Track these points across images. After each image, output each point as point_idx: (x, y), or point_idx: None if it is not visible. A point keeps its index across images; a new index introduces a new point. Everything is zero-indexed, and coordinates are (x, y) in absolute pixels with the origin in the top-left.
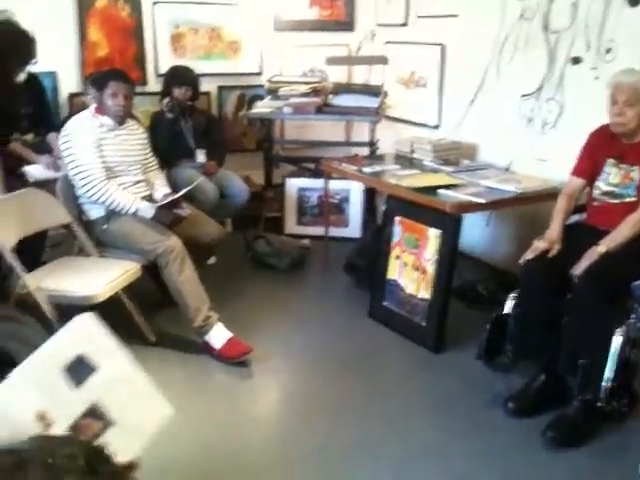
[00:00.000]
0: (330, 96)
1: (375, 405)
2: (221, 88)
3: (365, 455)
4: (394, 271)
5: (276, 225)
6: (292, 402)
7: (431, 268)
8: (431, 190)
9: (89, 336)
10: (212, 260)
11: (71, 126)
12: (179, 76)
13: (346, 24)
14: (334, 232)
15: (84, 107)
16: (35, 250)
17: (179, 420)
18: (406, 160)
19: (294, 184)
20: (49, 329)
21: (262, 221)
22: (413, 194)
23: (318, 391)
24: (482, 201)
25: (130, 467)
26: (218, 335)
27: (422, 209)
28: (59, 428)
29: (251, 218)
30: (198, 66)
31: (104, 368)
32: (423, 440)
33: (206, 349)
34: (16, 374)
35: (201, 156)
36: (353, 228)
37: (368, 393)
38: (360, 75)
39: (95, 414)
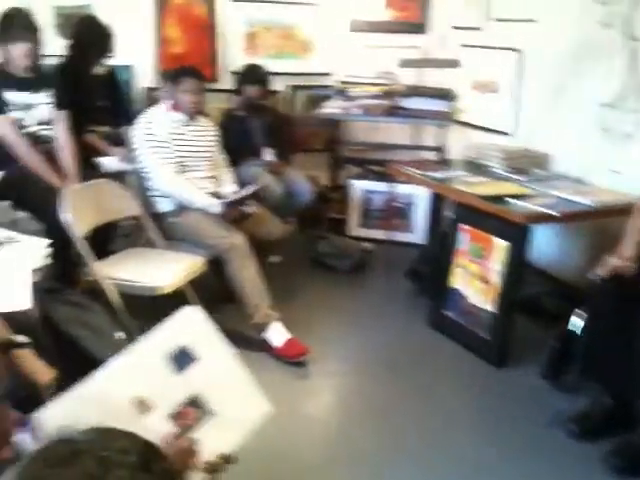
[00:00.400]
0: (400, 98)
1: (429, 415)
2: (291, 87)
3: (414, 465)
4: (458, 280)
5: (339, 226)
6: (345, 405)
7: (496, 279)
8: (500, 199)
9: (194, 328)
10: (275, 258)
11: (145, 120)
12: (251, 74)
13: (419, 26)
14: (397, 237)
15: (158, 101)
16: (105, 239)
17: None
18: (475, 167)
19: (359, 186)
20: (114, 317)
21: (325, 222)
22: (482, 202)
23: (372, 396)
24: (555, 214)
25: (225, 460)
26: (277, 333)
27: (490, 218)
28: (159, 414)
29: (315, 218)
30: (269, 65)
31: (206, 360)
32: (476, 455)
33: (264, 347)
34: (119, 360)
35: (269, 155)
36: (417, 234)
37: (423, 402)
38: (431, 78)
39: (195, 404)
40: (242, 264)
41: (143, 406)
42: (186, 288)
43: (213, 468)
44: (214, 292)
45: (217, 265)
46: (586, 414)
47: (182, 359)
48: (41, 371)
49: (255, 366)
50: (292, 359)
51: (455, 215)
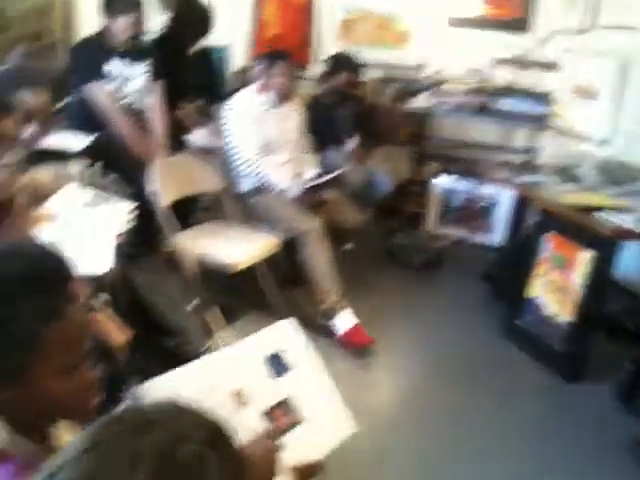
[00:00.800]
0: (493, 97)
1: (489, 422)
2: (380, 78)
3: (468, 469)
4: (536, 289)
5: (416, 221)
6: (405, 401)
7: (578, 292)
8: (590, 210)
9: (292, 338)
10: (348, 246)
11: (235, 100)
12: (345, 62)
13: (519, 25)
14: (475, 238)
15: (250, 82)
16: (186, 212)
17: None
18: (566, 174)
19: (440, 182)
20: (189, 288)
21: (403, 215)
22: (570, 212)
23: (433, 396)
24: None
25: (315, 466)
26: (343, 321)
27: (578, 228)
28: (253, 410)
29: (392, 210)
30: (362, 53)
31: (301, 371)
32: (535, 467)
33: (330, 333)
34: (223, 353)
35: (352, 143)
36: (496, 236)
37: (484, 407)
38: (526, 79)
39: (287, 409)
40: (316, 249)
41: (240, 399)
42: (259, 267)
43: (303, 474)
44: (284, 273)
45: (290, 247)
46: None
47: (278, 365)
48: (116, 333)
49: (319, 352)
50: (356, 348)
51: (540, 222)
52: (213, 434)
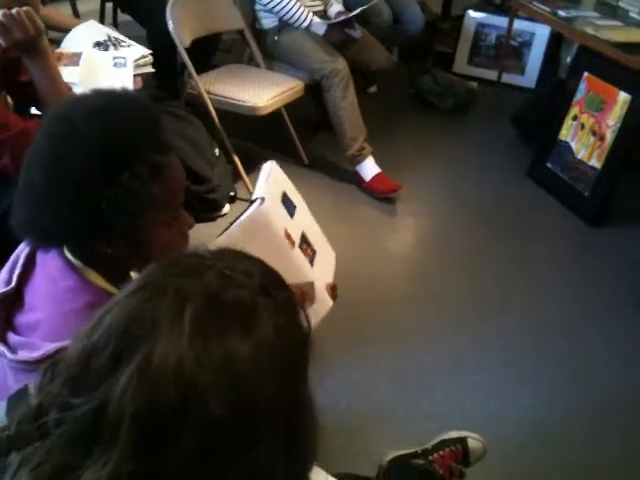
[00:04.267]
0: None
1: (516, 265)
2: None
3: (493, 312)
4: (568, 132)
5: (445, 62)
6: (430, 246)
7: (611, 136)
8: (633, 47)
9: (283, 178)
10: (373, 89)
11: None
12: None
13: None
14: (507, 78)
15: None
16: (207, 52)
17: None
18: (609, 8)
19: (474, 17)
20: (212, 133)
21: (431, 55)
22: (611, 49)
23: (458, 241)
24: None
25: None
26: (369, 167)
27: (617, 68)
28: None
29: (420, 50)
30: None
31: (300, 207)
32: (558, 306)
33: (356, 179)
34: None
35: None
36: (529, 77)
37: (511, 252)
38: None
39: (306, 242)
40: (343, 92)
41: (290, 239)
42: (283, 112)
43: (334, 294)
44: (310, 118)
45: (315, 90)
46: None
47: (289, 205)
48: None
49: (344, 198)
50: (382, 194)
51: (578, 61)
52: (266, 281)
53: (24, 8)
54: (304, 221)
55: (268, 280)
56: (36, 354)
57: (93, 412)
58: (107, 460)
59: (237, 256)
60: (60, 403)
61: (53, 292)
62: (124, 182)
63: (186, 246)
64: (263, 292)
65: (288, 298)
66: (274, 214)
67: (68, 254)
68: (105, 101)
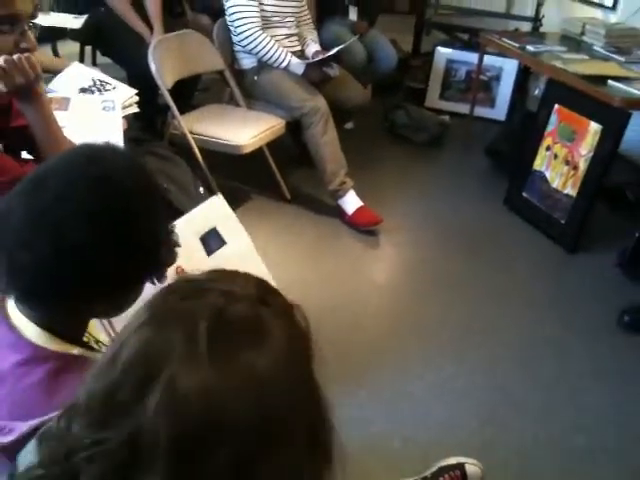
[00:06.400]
0: None
1: (497, 292)
2: None
3: (478, 339)
4: (542, 162)
5: (417, 97)
6: (414, 276)
7: (584, 165)
8: (599, 80)
9: (221, 214)
10: (349, 125)
11: None
12: None
13: None
14: (478, 112)
15: None
16: (187, 93)
17: (307, 277)
18: (573, 42)
19: (444, 54)
20: (196, 172)
21: (403, 91)
22: (579, 82)
23: (441, 269)
24: None
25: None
26: (351, 201)
27: (586, 99)
28: None
29: (392, 86)
30: None
31: (231, 244)
32: (539, 331)
33: (338, 213)
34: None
35: (353, 14)
36: (499, 110)
37: (492, 280)
38: None
39: None
40: (323, 129)
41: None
42: (265, 150)
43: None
44: (291, 155)
45: (295, 128)
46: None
47: (212, 240)
48: None
49: (327, 232)
50: (364, 227)
51: (548, 93)
52: (261, 290)
53: (25, 54)
54: (230, 258)
55: (262, 289)
56: (10, 437)
57: (127, 441)
58: None
59: (228, 273)
60: (88, 443)
61: (6, 368)
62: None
63: None
64: (262, 301)
65: (282, 301)
66: None
67: (13, 316)
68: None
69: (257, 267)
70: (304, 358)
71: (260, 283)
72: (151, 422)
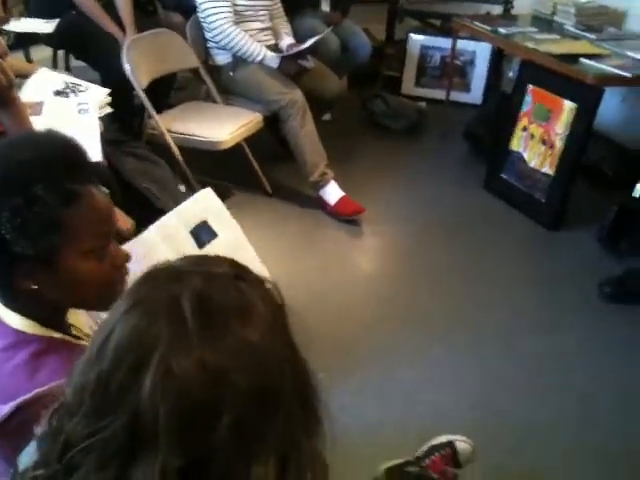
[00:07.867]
0: None
1: (481, 274)
2: None
3: (465, 321)
4: (518, 143)
5: (393, 85)
6: (399, 263)
7: (560, 143)
8: (572, 58)
9: (211, 207)
10: (327, 116)
11: None
12: None
13: None
14: (454, 97)
15: None
16: (163, 92)
17: (293, 269)
18: (545, 23)
19: (417, 40)
20: (175, 170)
21: (380, 79)
22: (551, 61)
23: (425, 256)
24: (628, 75)
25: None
26: (333, 191)
27: (559, 78)
28: None
29: (368, 76)
30: None
31: (222, 236)
32: (526, 309)
33: (320, 204)
34: (154, 228)
35: (326, 5)
36: (475, 94)
37: (476, 262)
38: None
39: None
40: (301, 121)
41: None
42: (244, 145)
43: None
44: (270, 149)
45: (273, 122)
46: (620, 280)
47: (202, 233)
48: (122, 219)
49: (310, 223)
50: (346, 217)
51: (521, 75)
52: (235, 269)
53: None
54: (221, 251)
55: (235, 266)
56: None
57: (126, 423)
58: (154, 461)
59: (200, 257)
60: (84, 435)
61: None
62: (20, 205)
63: (125, 279)
64: (239, 277)
65: (255, 275)
66: (154, 244)
67: None
68: (22, 137)
69: (250, 258)
70: (286, 325)
71: (232, 261)
72: (149, 402)
